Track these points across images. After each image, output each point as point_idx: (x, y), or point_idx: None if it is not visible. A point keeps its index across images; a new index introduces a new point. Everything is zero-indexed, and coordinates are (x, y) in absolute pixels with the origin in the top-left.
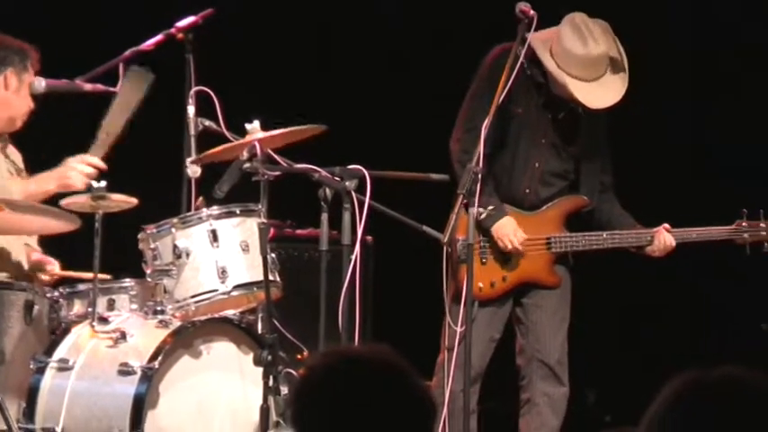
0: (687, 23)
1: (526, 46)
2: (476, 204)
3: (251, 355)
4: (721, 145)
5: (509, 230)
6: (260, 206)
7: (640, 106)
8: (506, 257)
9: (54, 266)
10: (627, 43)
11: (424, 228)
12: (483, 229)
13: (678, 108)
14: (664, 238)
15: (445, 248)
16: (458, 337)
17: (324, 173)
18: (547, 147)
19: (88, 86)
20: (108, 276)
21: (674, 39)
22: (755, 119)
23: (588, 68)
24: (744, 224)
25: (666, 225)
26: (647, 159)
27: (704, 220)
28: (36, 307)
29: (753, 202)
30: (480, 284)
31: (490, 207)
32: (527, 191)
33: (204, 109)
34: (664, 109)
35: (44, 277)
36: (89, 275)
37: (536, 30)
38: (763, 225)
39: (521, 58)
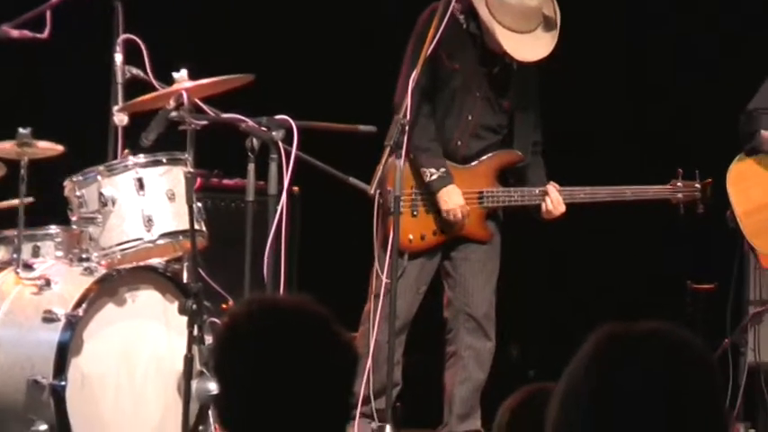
0: None
1: None
2: (402, 155)
3: (176, 304)
4: (658, 104)
5: (456, 203)
6: (186, 155)
7: (575, 66)
8: (439, 211)
9: None
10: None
11: (351, 179)
12: (429, 191)
13: (614, 65)
14: (554, 195)
15: (376, 198)
16: (384, 287)
17: (251, 123)
18: (480, 100)
19: (15, 33)
20: (31, 199)
21: None
22: (694, 77)
23: (520, 20)
24: (679, 184)
25: (554, 183)
26: (585, 119)
27: (640, 180)
28: None
29: (688, 161)
30: (410, 236)
31: (442, 170)
32: (458, 143)
33: (132, 57)
34: (599, 68)
35: None
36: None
37: None
38: (697, 185)
39: (449, 9)
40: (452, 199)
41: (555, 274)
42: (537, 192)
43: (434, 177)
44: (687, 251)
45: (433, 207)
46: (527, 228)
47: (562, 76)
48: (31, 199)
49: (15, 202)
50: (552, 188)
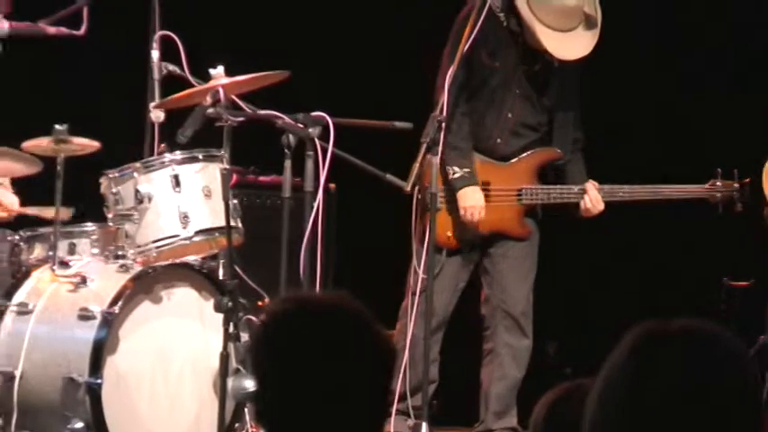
0: None
1: None
2: (439, 153)
3: (212, 302)
4: (696, 104)
5: (474, 203)
6: (223, 152)
7: (620, 65)
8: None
9: (13, 203)
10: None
11: (387, 176)
12: (450, 187)
13: (659, 65)
14: (592, 193)
15: (415, 195)
16: (422, 284)
17: (287, 119)
18: (520, 98)
19: (52, 30)
20: (69, 210)
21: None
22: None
23: (561, 18)
24: (717, 183)
25: (593, 181)
26: (625, 118)
27: (679, 179)
28: None
29: (728, 161)
30: (449, 233)
31: (465, 169)
32: (498, 140)
33: (169, 54)
34: (638, 66)
35: (1, 213)
36: (47, 212)
37: None
38: (736, 185)
39: (486, 6)
40: (470, 199)
41: (592, 271)
42: (576, 189)
43: (457, 176)
44: (724, 248)
45: None
46: (564, 225)
47: (602, 73)
48: (70, 212)
49: (63, 211)
50: (591, 186)
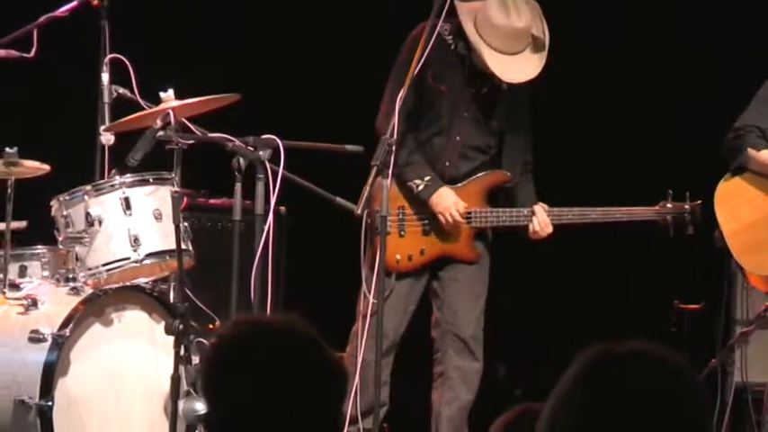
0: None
1: (444, 16)
2: (389, 176)
3: (162, 324)
4: (648, 126)
5: (449, 203)
6: (173, 175)
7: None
8: (426, 230)
9: None
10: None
11: (337, 199)
12: (420, 201)
13: (610, 86)
14: (541, 216)
15: (364, 219)
16: (371, 307)
17: (238, 142)
18: (468, 121)
19: (2, 53)
20: (22, 223)
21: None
22: (684, 100)
23: (507, 41)
24: (668, 205)
25: (542, 204)
26: (576, 140)
27: (629, 202)
28: None
29: (679, 183)
30: (398, 257)
31: (427, 178)
32: (447, 164)
33: (118, 77)
34: (586, 87)
35: None
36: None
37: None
38: (687, 207)
39: (436, 29)
40: (444, 200)
41: (541, 292)
42: (525, 212)
43: (421, 187)
44: (675, 270)
45: (421, 225)
46: (514, 247)
47: (550, 96)
48: (24, 224)
49: (14, 224)
50: (540, 209)
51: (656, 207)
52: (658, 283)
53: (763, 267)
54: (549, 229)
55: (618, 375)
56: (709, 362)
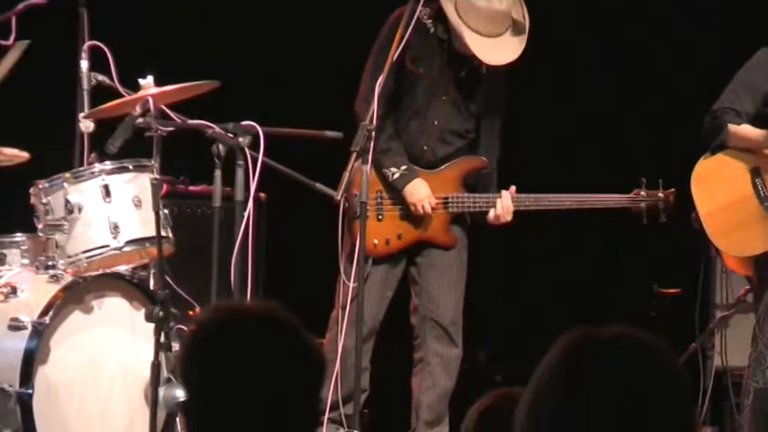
0: None
1: (423, 0)
2: (369, 162)
3: (142, 311)
4: (623, 113)
5: (423, 194)
6: (153, 162)
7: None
8: (403, 215)
9: None
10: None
11: (317, 185)
12: (395, 189)
13: (584, 74)
14: (506, 202)
15: (341, 204)
16: (351, 293)
17: (217, 129)
18: (447, 105)
19: None
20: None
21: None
22: (658, 88)
23: (488, 23)
24: (642, 193)
25: (512, 189)
26: (551, 127)
27: (606, 188)
28: None
29: (653, 171)
30: (375, 241)
31: (403, 167)
32: (424, 148)
33: (98, 64)
34: (562, 73)
35: None
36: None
37: None
38: (660, 195)
39: (416, 14)
40: (418, 191)
41: (522, 278)
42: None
43: (397, 176)
44: (655, 255)
45: (399, 210)
46: (496, 232)
47: (526, 80)
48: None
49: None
50: (507, 194)
51: (630, 195)
52: (639, 267)
53: (739, 248)
54: (509, 217)
55: (599, 360)
56: (689, 346)
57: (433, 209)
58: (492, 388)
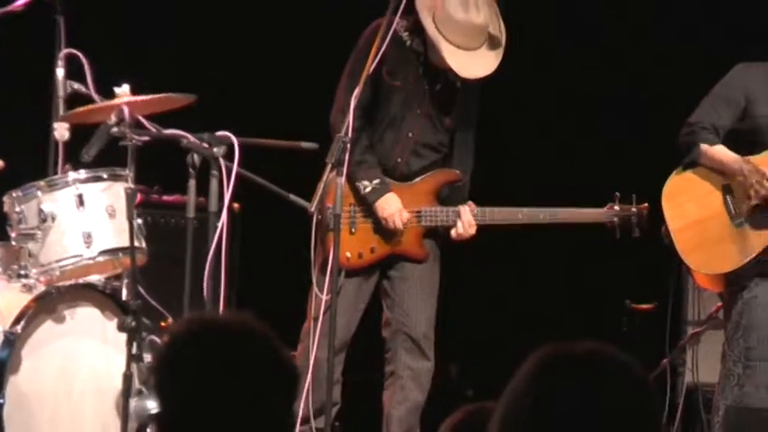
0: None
1: (400, 12)
2: (343, 174)
3: (115, 321)
4: (600, 126)
5: (394, 209)
6: (127, 171)
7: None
8: (376, 228)
9: None
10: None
11: (291, 196)
12: (366, 203)
13: (560, 85)
14: (465, 217)
15: (315, 216)
16: (323, 306)
17: (192, 139)
18: (422, 117)
19: None
20: None
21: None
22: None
23: (465, 36)
24: (615, 208)
25: (471, 204)
26: (525, 140)
27: (578, 203)
28: None
29: (626, 185)
30: (348, 254)
31: (376, 181)
32: (398, 160)
33: (74, 72)
34: (536, 86)
35: None
36: None
37: None
38: (634, 210)
39: (392, 26)
40: (390, 206)
41: (493, 292)
42: (476, 212)
43: (368, 189)
44: (627, 270)
45: (371, 223)
46: (465, 246)
47: (499, 95)
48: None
49: None
50: (466, 209)
51: (603, 209)
52: (611, 282)
53: (710, 265)
54: (473, 231)
55: (570, 376)
56: (661, 362)
57: (405, 222)
58: (463, 402)
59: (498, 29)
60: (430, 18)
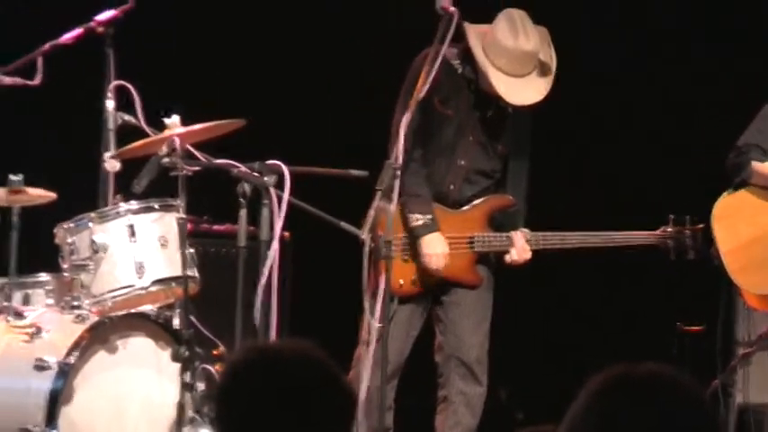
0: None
1: (448, 41)
2: (394, 200)
3: (168, 351)
4: (651, 150)
5: (437, 251)
6: (179, 201)
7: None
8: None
9: None
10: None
11: (342, 224)
12: (412, 235)
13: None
14: (518, 242)
15: (367, 243)
16: (375, 333)
17: (243, 168)
18: (474, 145)
19: (8, 80)
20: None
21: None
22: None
23: (514, 63)
24: (669, 230)
25: (525, 230)
26: (577, 164)
27: (633, 226)
28: None
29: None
30: (401, 281)
31: (428, 216)
32: (451, 187)
33: (124, 103)
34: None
35: None
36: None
37: (475, 22)
38: (688, 231)
39: (440, 55)
40: (434, 246)
41: (544, 315)
42: (529, 237)
43: (420, 223)
44: (677, 292)
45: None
46: (517, 270)
47: (551, 121)
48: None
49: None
50: (519, 235)
51: (658, 232)
52: (661, 304)
53: (759, 286)
54: (527, 255)
55: (635, 396)
56: (711, 383)
57: (458, 248)
58: (515, 426)
59: (549, 56)
60: (479, 44)
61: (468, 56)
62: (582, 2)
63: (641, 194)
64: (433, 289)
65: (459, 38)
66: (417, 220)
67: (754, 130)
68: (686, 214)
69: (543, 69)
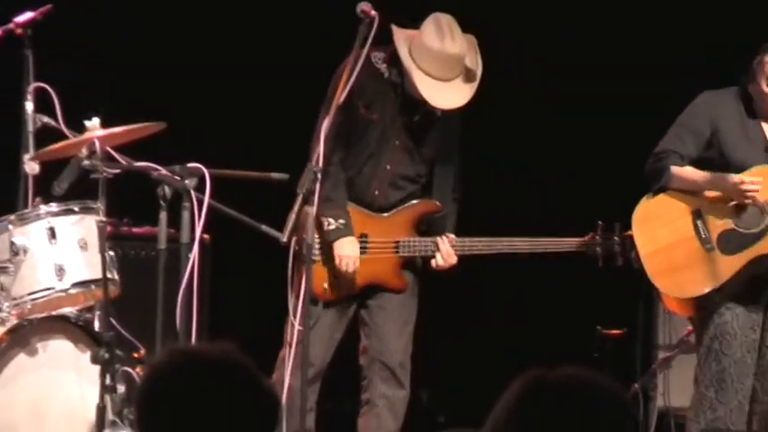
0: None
1: (369, 44)
2: (315, 203)
3: (88, 354)
4: (579, 156)
5: (349, 254)
6: (99, 204)
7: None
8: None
9: None
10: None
11: (263, 227)
12: (324, 239)
13: (540, 117)
14: (443, 248)
15: (292, 246)
16: (298, 335)
17: (163, 171)
18: (400, 150)
19: None
20: None
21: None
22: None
23: (439, 66)
24: (597, 237)
25: (450, 235)
26: (507, 170)
27: (561, 232)
28: None
29: (609, 214)
30: (325, 285)
31: (340, 221)
32: (376, 193)
33: (43, 106)
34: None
35: None
36: None
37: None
38: (616, 238)
39: (361, 59)
40: (345, 249)
41: (465, 319)
42: (455, 242)
43: (332, 228)
44: (597, 296)
45: None
46: (438, 273)
47: (479, 126)
48: None
49: None
50: (444, 240)
51: (586, 238)
52: (581, 308)
53: (680, 289)
54: (453, 260)
55: (554, 400)
56: (631, 387)
57: (384, 252)
58: (435, 428)
59: (475, 62)
60: (406, 47)
61: (395, 60)
62: (512, 6)
63: (570, 200)
64: (358, 293)
65: (387, 41)
66: (329, 224)
67: (673, 136)
68: (615, 221)
69: (469, 75)
